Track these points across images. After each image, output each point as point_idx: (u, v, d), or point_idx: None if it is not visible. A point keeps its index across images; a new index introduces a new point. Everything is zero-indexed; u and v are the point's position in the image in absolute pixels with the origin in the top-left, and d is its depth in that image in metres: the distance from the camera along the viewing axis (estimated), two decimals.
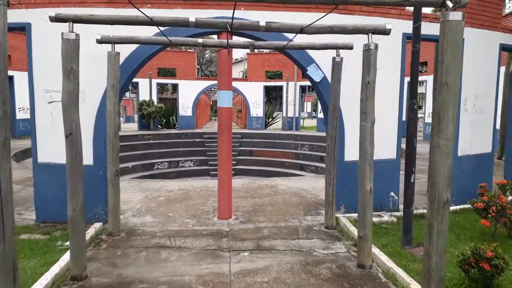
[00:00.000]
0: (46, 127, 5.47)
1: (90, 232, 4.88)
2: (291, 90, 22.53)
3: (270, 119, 26.28)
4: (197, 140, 20.22)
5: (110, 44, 4.83)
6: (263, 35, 5.42)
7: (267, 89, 23.78)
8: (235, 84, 23.08)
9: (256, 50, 34.46)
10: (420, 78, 19.50)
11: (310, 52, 5.59)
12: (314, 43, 4.99)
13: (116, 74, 4.84)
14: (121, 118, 27.24)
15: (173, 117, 24.31)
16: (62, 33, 3.55)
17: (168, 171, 18.00)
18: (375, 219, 5.48)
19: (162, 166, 18.16)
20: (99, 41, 4.77)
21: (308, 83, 25.55)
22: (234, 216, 5.77)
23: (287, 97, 22.52)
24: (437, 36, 2.85)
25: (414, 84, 4.78)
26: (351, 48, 5.02)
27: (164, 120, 24.06)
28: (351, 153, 5.86)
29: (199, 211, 6.05)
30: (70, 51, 3.55)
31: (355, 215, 5.73)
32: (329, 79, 5.60)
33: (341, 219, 5.48)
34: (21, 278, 3.66)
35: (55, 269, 3.71)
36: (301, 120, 24.44)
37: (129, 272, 3.89)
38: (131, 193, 7.22)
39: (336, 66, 5.02)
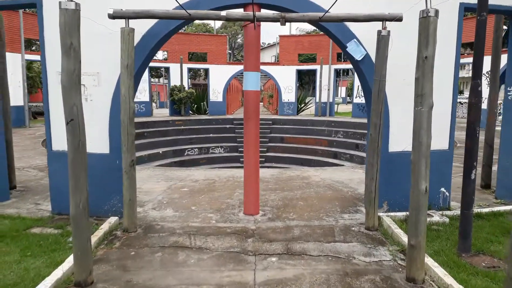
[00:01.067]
0: (60, 112, 5.07)
1: (104, 227, 4.47)
2: (325, 74, 21.54)
3: (303, 105, 25.43)
4: (228, 126, 19.80)
5: (124, 20, 4.31)
6: (294, 5, 4.73)
7: (299, 73, 22.90)
8: (266, 68, 22.36)
9: (288, 31, 33.33)
10: (462, 60, 17.97)
11: (350, 26, 4.83)
12: (356, 14, 4.25)
13: (131, 54, 4.33)
14: (154, 104, 27.28)
15: (204, 102, 24.00)
16: (60, 2, 3.04)
17: (199, 157, 17.74)
18: None
19: (192, 152, 17.92)
20: (112, 16, 4.26)
21: (343, 66, 24.41)
22: (262, 211, 5.20)
23: (320, 81, 21.57)
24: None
25: (478, 62, 3.95)
26: (400, 19, 4.24)
27: (195, 105, 23.81)
28: (396, 142, 5.11)
29: (224, 204, 5.53)
30: (70, 24, 3.04)
31: (400, 214, 5.02)
32: (372, 57, 4.86)
33: (384, 219, 4.78)
34: (23, 281, 3.28)
35: (58, 273, 3.29)
36: (335, 106, 23.43)
37: (141, 278, 3.42)
38: (155, 182, 6.82)
39: (382, 41, 4.26)
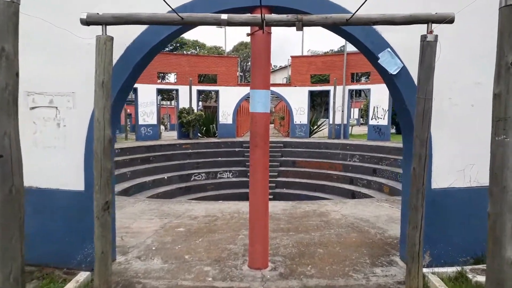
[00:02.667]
0: (29, 140, 4.19)
1: None
2: (338, 94, 20.63)
3: (315, 127, 24.46)
4: (237, 149, 18.88)
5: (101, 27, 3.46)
6: (313, 7, 3.83)
7: (311, 95, 22.03)
8: (277, 89, 21.58)
9: (300, 52, 32.76)
10: None
11: (383, 32, 3.89)
12: (392, 15, 3.31)
13: (108, 68, 3.44)
14: (162, 127, 26.67)
15: (213, 125, 23.23)
16: None
17: (206, 182, 16.80)
18: (480, 278, 3.66)
19: (199, 177, 17.00)
20: (85, 22, 3.41)
21: (357, 86, 23.51)
22: (271, 263, 4.16)
23: (334, 102, 20.64)
24: None
25: None
26: (451, 21, 3.29)
27: (204, 128, 23.05)
28: (441, 177, 4.06)
29: (225, 252, 4.51)
30: (1, 22, 2.17)
31: (449, 270, 3.92)
32: (410, 70, 3.90)
33: (430, 278, 3.69)
34: None
35: None
36: (349, 128, 22.40)
37: None
38: (147, 219, 5.84)
39: (428, 48, 3.30)
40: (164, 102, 54.44)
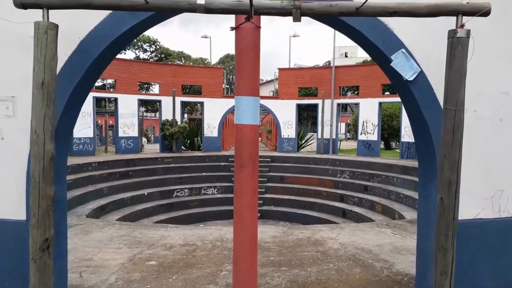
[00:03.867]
0: None
1: None
2: (327, 108, 20.11)
3: (303, 141, 23.86)
4: (222, 164, 18.07)
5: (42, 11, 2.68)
6: None
7: (299, 108, 21.47)
8: (264, 102, 20.95)
9: (287, 64, 32.25)
10: None
11: (395, 28, 3.21)
12: (415, 4, 2.64)
13: (50, 64, 2.66)
14: (145, 139, 25.68)
15: (198, 138, 22.41)
16: None
17: (189, 199, 15.93)
18: None
19: (182, 193, 16.11)
20: (20, 4, 2.64)
21: (346, 101, 23.07)
22: None
23: (322, 116, 20.09)
24: None
25: None
26: (486, 13, 2.63)
27: (188, 141, 22.20)
28: (467, 206, 3.36)
29: None
30: None
31: None
32: (429, 74, 3.23)
33: None
34: None
35: None
36: (338, 142, 21.85)
37: None
38: (114, 249, 4.98)
39: (459, 47, 2.62)
40: (148, 114, 53.40)
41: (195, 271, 4.22)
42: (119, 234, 5.60)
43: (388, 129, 26.20)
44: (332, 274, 4.16)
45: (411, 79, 3.17)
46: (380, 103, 19.19)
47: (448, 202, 2.68)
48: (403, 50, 3.20)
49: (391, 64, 3.18)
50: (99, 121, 34.21)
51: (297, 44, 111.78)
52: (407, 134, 18.19)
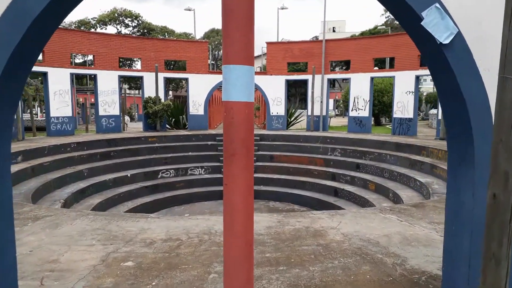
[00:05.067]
0: None
1: None
2: (317, 84, 19.41)
3: (293, 118, 23.23)
4: (209, 143, 17.38)
5: None
6: None
7: (288, 84, 20.71)
8: None
9: (276, 38, 31.11)
10: None
11: None
12: None
13: None
14: (127, 118, 24.68)
15: (183, 116, 21.56)
16: None
17: (175, 180, 15.26)
18: None
19: (167, 174, 15.43)
20: None
21: (337, 75, 22.38)
22: None
23: (313, 92, 19.41)
24: None
25: None
26: None
27: (173, 119, 21.35)
28: None
29: None
30: None
31: None
32: (467, 36, 2.56)
33: None
34: None
35: None
36: (328, 119, 21.30)
37: None
38: (86, 246, 4.31)
39: None
40: (132, 91, 51.89)
41: (179, 274, 3.61)
42: (93, 228, 4.92)
43: (379, 105, 25.78)
44: (338, 274, 3.59)
45: (446, 42, 2.51)
46: (372, 78, 18.58)
47: (503, 199, 2.07)
48: (437, 5, 2.52)
49: (422, 23, 2.50)
50: (80, 99, 32.89)
51: (284, 19, 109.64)
52: (399, 109, 17.72)
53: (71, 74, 16.95)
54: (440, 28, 2.50)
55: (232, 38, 2.46)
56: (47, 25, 2.51)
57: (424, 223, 5.10)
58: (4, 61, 2.37)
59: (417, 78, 17.42)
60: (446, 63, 2.56)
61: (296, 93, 48.29)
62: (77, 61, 43.60)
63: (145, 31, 44.45)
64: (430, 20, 2.50)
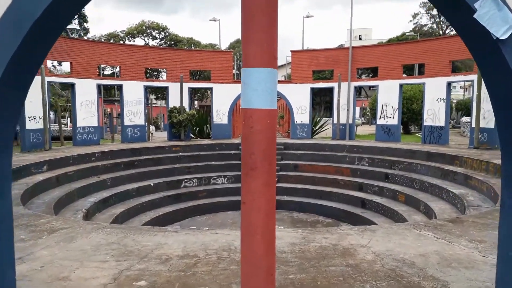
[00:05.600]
0: None
1: None
2: (343, 92, 18.94)
3: (318, 127, 22.77)
4: (233, 152, 17.18)
5: None
6: None
7: (312, 93, 20.32)
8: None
9: (301, 46, 30.81)
10: None
11: None
12: None
13: None
14: (153, 127, 24.90)
15: (207, 125, 21.51)
16: None
17: (198, 189, 15.11)
18: None
19: (190, 183, 15.30)
20: None
21: (364, 83, 21.86)
22: None
23: (339, 100, 18.94)
24: None
25: None
26: None
27: (197, 129, 21.33)
28: None
29: None
30: None
31: None
32: None
33: None
34: None
35: None
36: (355, 128, 20.72)
37: None
38: (98, 263, 4.10)
39: None
40: (158, 102, 52.70)
41: None
42: (108, 242, 4.72)
43: (408, 113, 24.96)
44: None
45: (504, 37, 2.14)
46: (401, 85, 17.95)
47: None
48: None
49: (475, 16, 2.15)
50: (108, 110, 33.57)
51: (309, 28, 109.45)
52: (429, 117, 17.00)
53: (98, 85, 17.20)
54: (497, 21, 2.14)
55: (252, 39, 2.18)
56: (49, 28, 2.30)
57: (464, 241, 4.62)
58: (3, 64, 2.17)
59: (449, 84, 16.68)
60: (504, 62, 2.19)
61: (321, 102, 47.70)
62: (106, 72, 44.76)
63: (172, 42, 45.18)
64: (485, 12, 2.14)
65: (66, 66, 37.36)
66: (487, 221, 5.31)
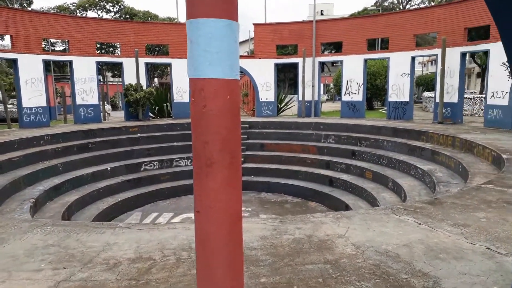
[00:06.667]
0: None
1: None
2: (308, 67, 18.44)
3: (283, 104, 22.30)
4: None
5: None
6: None
7: (277, 69, 19.69)
8: (240, 62, 19.04)
9: (263, 19, 29.88)
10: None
11: None
12: None
13: None
14: (108, 107, 23.41)
15: (168, 104, 20.46)
16: None
17: (159, 172, 14.29)
18: None
19: (151, 166, 14.45)
20: None
21: (328, 58, 21.44)
22: None
23: (303, 76, 18.46)
24: None
25: None
26: None
27: (157, 108, 20.24)
28: None
29: None
30: None
31: None
32: None
33: None
34: None
35: None
36: (320, 105, 20.41)
37: None
38: (30, 273, 3.37)
39: None
40: (115, 79, 50.17)
41: None
42: (46, 244, 3.97)
43: (372, 88, 24.98)
44: None
45: None
46: (365, 60, 17.68)
47: None
48: None
49: None
50: (58, 88, 31.33)
51: (271, 4, 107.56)
52: (394, 93, 16.93)
53: (43, 61, 15.65)
54: None
55: None
56: None
57: (448, 226, 4.27)
58: None
59: (413, 59, 16.59)
60: None
61: (285, 78, 47.18)
62: (57, 48, 41.74)
63: (127, 16, 42.69)
64: None
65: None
66: (467, 202, 5.01)
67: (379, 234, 4.06)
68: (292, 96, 25.43)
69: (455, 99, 14.73)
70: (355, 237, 4.00)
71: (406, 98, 16.56)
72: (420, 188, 9.49)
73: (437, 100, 15.19)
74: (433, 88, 31.27)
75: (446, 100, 14.86)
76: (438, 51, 15.32)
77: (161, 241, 3.97)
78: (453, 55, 14.68)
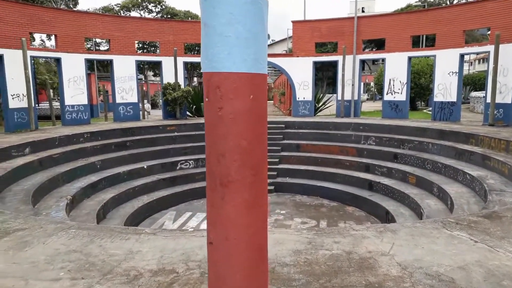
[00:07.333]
0: None
1: None
2: (348, 65, 17.76)
3: (321, 104, 21.68)
4: None
5: None
6: None
7: (315, 67, 19.12)
8: (276, 60, 18.73)
9: (302, 16, 29.37)
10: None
11: None
12: None
13: None
14: (148, 105, 23.82)
15: None
16: None
17: (194, 171, 14.22)
18: None
19: (187, 165, 14.41)
20: None
21: (370, 56, 20.59)
22: None
23: (343, 75, 17.79)
24: None
25: None
26: None
27: (194, 107, 20.29)
28: None
29: None
30: None
31: None
32: None
33: None
34: None
35: None
36: (360, 104, 19.64)
37: None
38: (48, 282, 3.20)
39: None
40: (156, 79, 51.33)
41: None
42: (68, 249, 3.82)
43: (415, 88, 23.79)
44: None
45: None
46: (409, 58, 16.75)
47: None
48: None
49: None
50: (100, 87, 32.40)
51: (310, 2, 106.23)
52: (440, 92, 15.90)
53: (85, 60, 16.06)
54: None
55: None
56: None
57: (510, 245, 3.71)
58: None
59: (462, 56, 15.49)
60: None
61: (323, 77, 46.25)
62: (102, 48, 43.26)
63: (169, 16, 43.51)
64: None
65: None
66: None
67: (428, 253, 3.57)
68: (331, 95, 24.75)
69: (508, 100, 13.56)
70: (401, 255, 3.53)
71: (453, 98, 15.50)
72: (468, 195, 8.71)
73: (488, 100, 14.07)
74: (481, 88, 29.47)
75: (498, 100, 13.73)
76: (490, 48, 14.18)
77: (187, 251, 3.70)
78: (507, 52, 13.53)
